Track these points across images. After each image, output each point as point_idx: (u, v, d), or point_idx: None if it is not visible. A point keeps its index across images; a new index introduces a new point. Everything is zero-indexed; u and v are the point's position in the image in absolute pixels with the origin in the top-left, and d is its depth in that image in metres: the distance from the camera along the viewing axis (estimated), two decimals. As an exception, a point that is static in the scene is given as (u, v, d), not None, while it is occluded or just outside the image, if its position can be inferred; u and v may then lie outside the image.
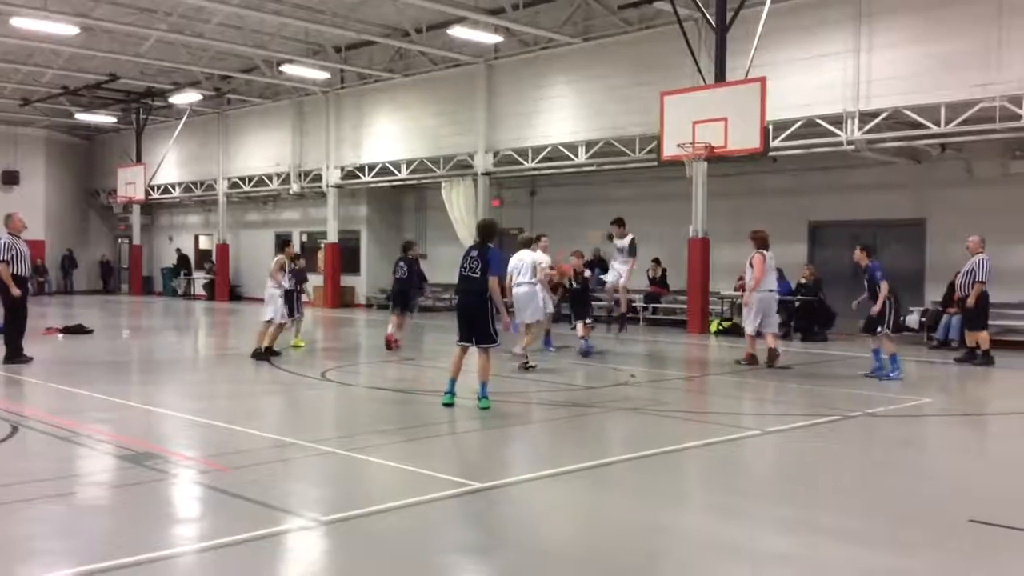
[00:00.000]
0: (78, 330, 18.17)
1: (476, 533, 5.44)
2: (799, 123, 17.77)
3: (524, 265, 13.21)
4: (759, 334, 13.46)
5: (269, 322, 13.94)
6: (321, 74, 26.06)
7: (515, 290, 13.12)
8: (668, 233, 21.59)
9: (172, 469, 6.91)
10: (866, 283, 12.43)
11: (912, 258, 18.10)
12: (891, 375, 11.98)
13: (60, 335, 17.75)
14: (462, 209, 24.26)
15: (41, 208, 35.73)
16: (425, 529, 5.43)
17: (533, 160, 22.70)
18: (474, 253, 9.56)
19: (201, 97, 29.25)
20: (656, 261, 22.27)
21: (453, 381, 9.52)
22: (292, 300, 14.96)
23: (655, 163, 18.31)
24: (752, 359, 13.46)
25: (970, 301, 13.93)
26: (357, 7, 21.95)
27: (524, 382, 11.74)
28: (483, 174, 23.94)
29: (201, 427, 8.68)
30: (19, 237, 12.92)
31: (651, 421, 9.35)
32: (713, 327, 19.53)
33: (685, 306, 20.36)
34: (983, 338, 14.14)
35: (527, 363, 12.67)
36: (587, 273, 15.49)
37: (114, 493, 6.43)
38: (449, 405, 9.39)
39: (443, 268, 27.50)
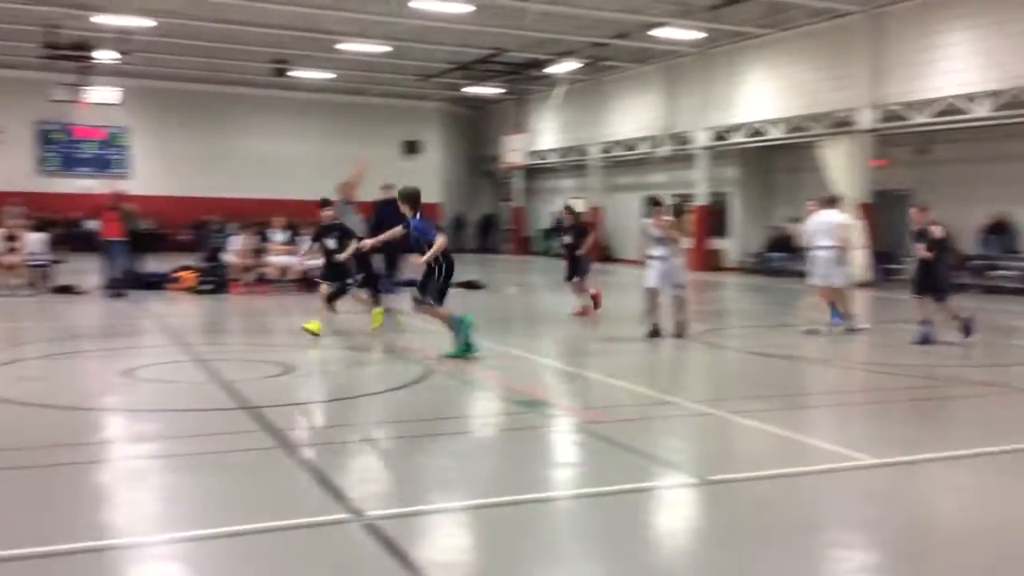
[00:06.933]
0: (471, 285, 19.82)
1: (862, 508, 5.17)
2: None
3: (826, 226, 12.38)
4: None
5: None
6: (693, 35, 25.87)
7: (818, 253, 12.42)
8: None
9: (556, 416, 7.35)
10: None
11: None
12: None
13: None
14: (840, 169, 22.95)
15: (438, 175, 39.34)
16: (808, 499, 5.28)
17: (924, 115, 20.83)
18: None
19: (578, 65, 30.33)
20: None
21: None
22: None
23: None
24: None
25: None
26: (733, -37, 21.43)
27: (919, 355, 10.91)
28: (865, 131, 22.42)
29: (582, 380, 9.11)
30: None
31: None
32: None
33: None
34: None
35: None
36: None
37: (503, 435, 7.01)
38: None
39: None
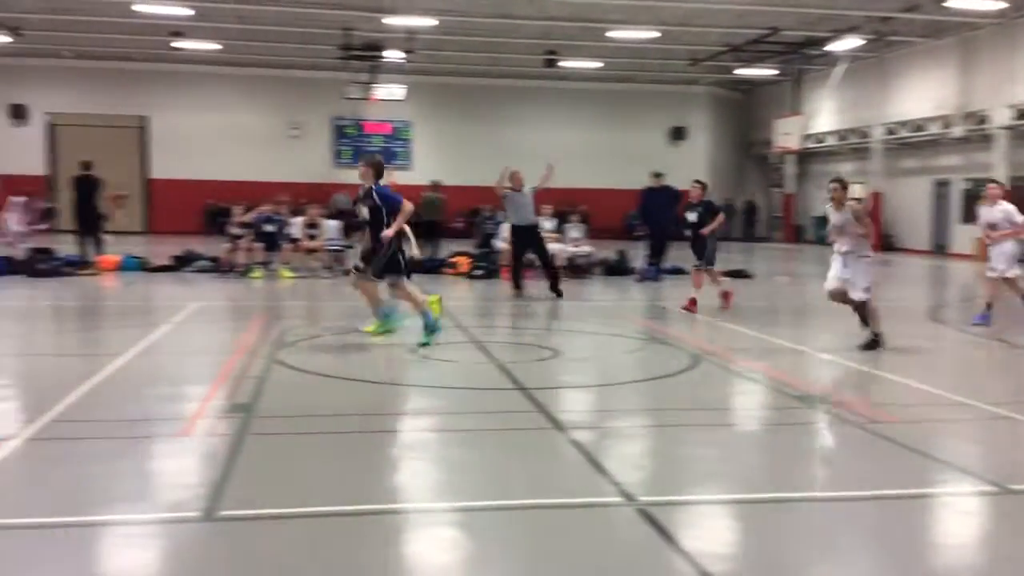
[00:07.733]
0: (738, 275, 19.36)
1: None
2: None
3: None
4: None
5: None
6: (994, 4, 23.56)
7: None
8: None
9: (834, 412, 7.00)
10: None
11: None
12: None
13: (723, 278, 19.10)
14: None
15: (704, 160, 38.65)
16: None
17: None
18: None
19: (861, 42, 28.61)
20: None
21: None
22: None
23: None
24: None
25: None
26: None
27: None
28: None
29: (861, 375, 8.64)
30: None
31: None
32: None
33: None
34: None
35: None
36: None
37: (778, 429, 6.78)
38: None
39: None
